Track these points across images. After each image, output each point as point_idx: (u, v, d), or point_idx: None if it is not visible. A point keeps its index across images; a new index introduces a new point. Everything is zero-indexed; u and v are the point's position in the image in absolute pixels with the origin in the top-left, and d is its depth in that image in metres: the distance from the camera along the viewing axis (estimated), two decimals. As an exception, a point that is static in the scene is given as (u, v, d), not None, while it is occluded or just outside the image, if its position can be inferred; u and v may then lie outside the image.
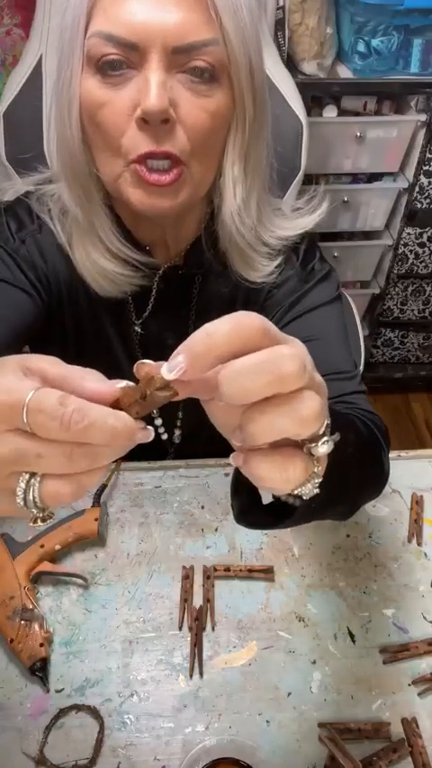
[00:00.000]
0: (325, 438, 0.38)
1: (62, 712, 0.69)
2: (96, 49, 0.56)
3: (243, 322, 0.35)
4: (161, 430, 0.93)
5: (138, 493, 0.89)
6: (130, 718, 0.69)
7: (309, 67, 1.38)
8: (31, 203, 0.77)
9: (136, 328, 0.83)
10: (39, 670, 0.70)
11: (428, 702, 0.71)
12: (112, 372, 0.61)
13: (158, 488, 0.89)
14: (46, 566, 0.78)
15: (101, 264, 0.72)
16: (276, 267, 0.77)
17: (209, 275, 0.79)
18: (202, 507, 0.88)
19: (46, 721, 0.69)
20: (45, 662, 0.71)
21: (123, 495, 0.88)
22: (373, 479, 0.67)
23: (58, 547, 0.79)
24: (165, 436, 0.94)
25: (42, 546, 0.78)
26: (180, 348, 0.35)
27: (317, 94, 1.46)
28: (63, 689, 0.71)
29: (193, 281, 0.80)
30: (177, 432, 0.93)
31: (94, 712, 0.69)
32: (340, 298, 0.81)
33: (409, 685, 0.72)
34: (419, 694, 0.71)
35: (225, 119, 0.61)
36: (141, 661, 0.73)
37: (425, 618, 0.78)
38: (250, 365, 0.34)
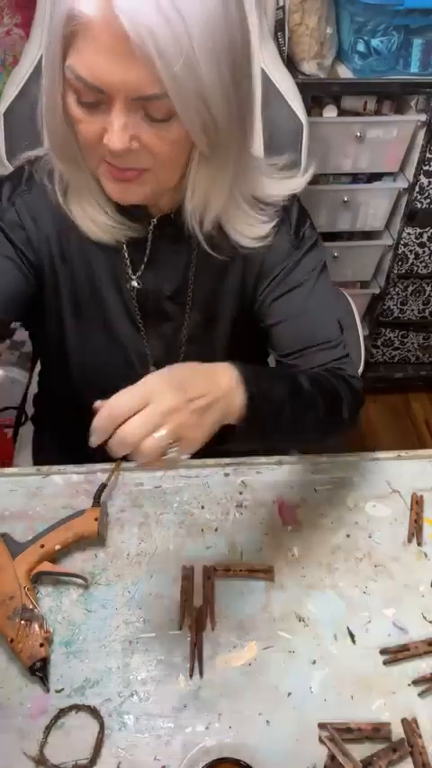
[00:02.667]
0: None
1: (62, 712, 0.69)
2: (72, 81, 0.61)
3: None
4: None
5: (138, 493, 0.89)
6: (130, 718, 0.69)
7: (309, 67, 1.37)
8: (32, 167, 0.80)
9: (133, 283, 0.83)
10: (39, 670, 0.70)
11: (428, 702, 0.71)
12: (108, 330, 0.83)
13: (158, 488, 0.89)
14: (46, 566, 0.78)
15: (96, 215, 0.77)
16: (273, 228, 0.80)
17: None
18: (202, 507, 0.88)
19: (46, 721, 0.69)
20: (45, 662, 0.71)
21: (123, 495, 0.88)
22: (325, 425, 0.79)
23: (58, 547, 0.79)
24: None
25: (42, 546, 0.78)
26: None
27: (317, 94, 1.45)
28: (63, 689, 0.71)
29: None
30: None
31: (94, 712, 0.69)
32: (325, 259, 0.86)
33: (409, 685, 0.72)
34: (419, 694, 0.71)
35: (188, 142, 0.65)
36: (141, 661, 0.73)
37: (425, 618, 0.78)
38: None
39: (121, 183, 0.68)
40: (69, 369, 0.89)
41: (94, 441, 0.57)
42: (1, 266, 0.79)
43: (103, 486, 0.86)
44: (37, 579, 0.78)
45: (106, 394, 0.86)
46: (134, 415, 0.56)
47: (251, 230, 0.79)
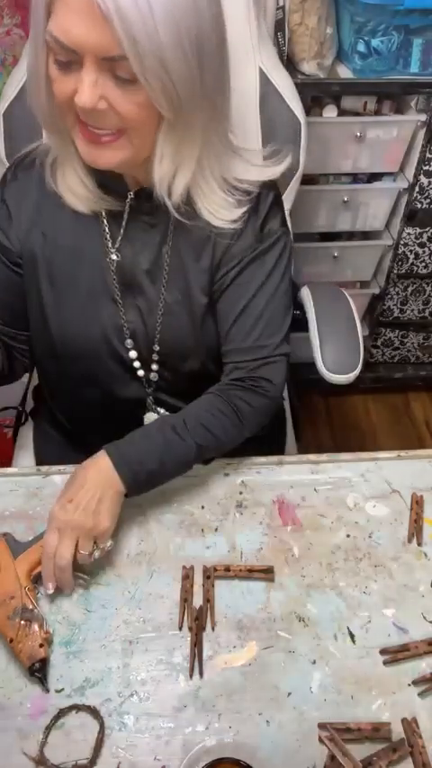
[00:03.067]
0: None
1: (62, 712, 0.69)
2: (50, 43, 0.66)
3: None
4: (137, 364, 0.92)
5: (138, 493, 0.89)
6: (130, 718, 0.69)
7: (309, 67, 1.37)
8: (23, 158, 0.87)
9: (112, 256, 0.86)
10: (38, 671, 0.70)
11: (428, 702, 0.71)
12: (86, 303, 0.89)
13: (158, 488, 0.89)
14: None
15: (75, 185, 0.81)
16: (243, 213, 0.82)
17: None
18: (202, 507, 0.88)
19: (46, 721, 0.69)
20: (44, 663, 0.71)
21: (123, 495, 0.88)
22: (221, 444, 0.86)
23: None
24: (141, 372, 0.93)
25: (43, 546, 0.78)
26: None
27: (317, 94, 1.45)
28: (63, 689, 0.71)
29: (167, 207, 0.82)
30: (155, 366, 0.93)
31: (94, 712, 0.69)
32: (287, 257, 0.89)
33: (409, 685, 0.72)
34: (419, 694, 0.71)
35: (155, 107, 0.68)
36: (141, 661, 0.73)
37: (425, 618, 0.78)
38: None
39: (94, 145, 0.71)
40: (53, 345, 0.92)
41: (50, 588, 0.76)
42: None
43: None
44: (37, 579, 0.78)
45: (89, 366, 0.92)
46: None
47: (220, 211, 0.81)
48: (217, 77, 0.71)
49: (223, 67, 0.73)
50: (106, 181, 0.81)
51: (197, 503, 0.88)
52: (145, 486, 0.82)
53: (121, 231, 0.85)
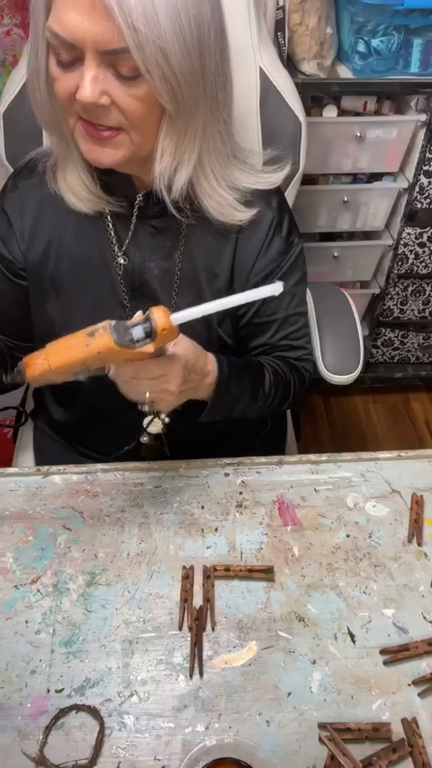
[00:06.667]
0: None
1: (62, 712, 0.69)
2: (50, 40, 0.66)
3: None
4: None
5: (138, 493, 0.89)
6: (130, 718, 0.69)
7: (309, 67, 1.37)
8: (27, 160, 0.88)
9: (119, 260, 0.86)
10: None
11: (428, 702, 0.71)
12: (93, 309, 0.86)
13: (158, 488, 0.89)
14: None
15: (77, 187, 0.81)
16: (256, 216, 0.83)
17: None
18: (202, 507, 0.88)
19: (46, 721, 0.69)
20: None
21: (123, 495, 0.88)
22: (270, 409, 0.94)
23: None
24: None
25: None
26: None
27: (317, 94, 1.45)
28: (63, 689, 0.71)
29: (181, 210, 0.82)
30: None
31: (94, 712, 0.69)
32: (303, 260, 0.93)
33: (409, 685, 0.72)
34: (419, 694, 0.71)
35: (156, 103, 0.68)
36: (141, 661, 0.73)
37: (425, 618, 0.78)
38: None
39: (96, 142, 0.71)
40: None
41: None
42: None
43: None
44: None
45: (96, 372, 0.88)
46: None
47: (229, 209, 0.81)
48: (218, 69, 0.71)
49: (224, 59, 0.73)
50: (112, 183, 0.81)
51: (197, 503, 0.88)
52: (212, 412, 0.85)
53: (129, 234, 0.84)
